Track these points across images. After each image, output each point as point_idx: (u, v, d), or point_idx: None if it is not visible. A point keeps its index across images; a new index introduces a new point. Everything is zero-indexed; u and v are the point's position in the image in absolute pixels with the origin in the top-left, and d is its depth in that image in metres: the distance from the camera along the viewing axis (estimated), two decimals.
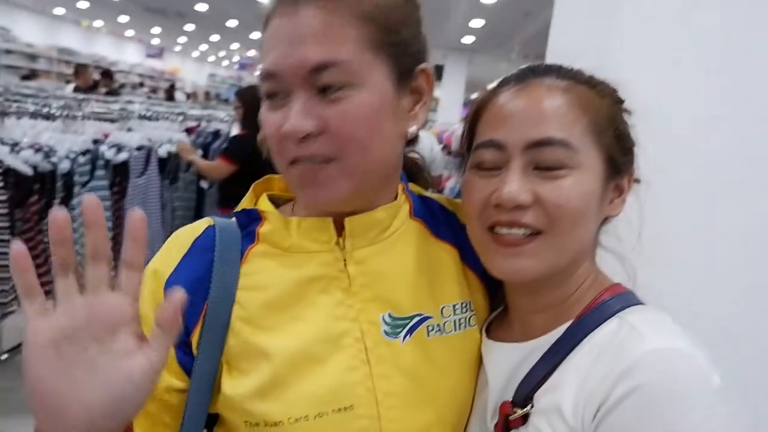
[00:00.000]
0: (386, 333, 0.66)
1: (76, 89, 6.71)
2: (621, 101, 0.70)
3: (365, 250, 0.68)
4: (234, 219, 0.71)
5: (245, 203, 0.72)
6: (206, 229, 0.69)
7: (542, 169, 0.63)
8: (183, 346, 0.65)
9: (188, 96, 11.39)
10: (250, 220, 0.70)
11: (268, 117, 0.62)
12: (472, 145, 0.70)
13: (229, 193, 3.43)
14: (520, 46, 8.62)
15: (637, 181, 0.72)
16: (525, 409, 0.62)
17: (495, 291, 0.76)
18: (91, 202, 0.45)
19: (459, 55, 11.97)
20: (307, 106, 0.59)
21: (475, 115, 0.71)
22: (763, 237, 1.10)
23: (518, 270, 0.64)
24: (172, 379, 0.65)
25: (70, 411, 0.44)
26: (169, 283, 0.64)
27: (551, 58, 1.67)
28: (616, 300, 0.65)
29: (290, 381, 0.63)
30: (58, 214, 0.44)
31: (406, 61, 0.64)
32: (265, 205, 0.71)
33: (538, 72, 0.69)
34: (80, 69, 7.70)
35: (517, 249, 0.64)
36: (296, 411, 0.61)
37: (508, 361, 0.67)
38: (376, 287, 0.67)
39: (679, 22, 1.14)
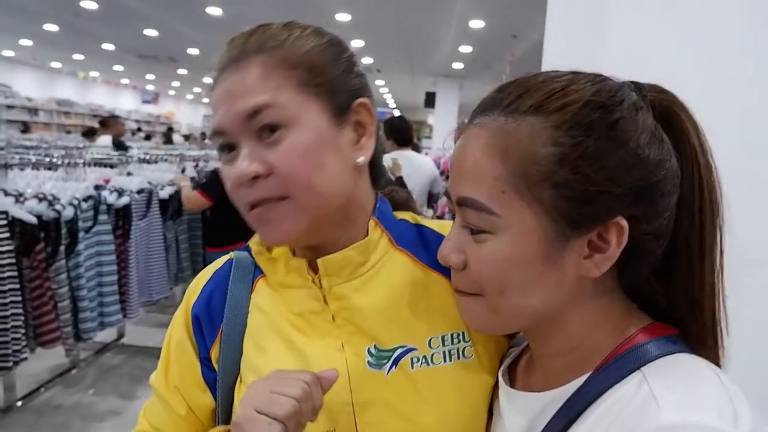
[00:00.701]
0: (370, 364, 0.68)
1: (116, 144, 6.55)
2: (611, 122, 0.54)
3: (344, 287, 0.70)
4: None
5: (252, 243, 0.78)
6: (226, 261, 0.78)
7: (470, 230, 0.59)
8: (205, 361, 0.74)
9: (186, 138, 11.52)
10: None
11: (225, 170, 0.67)
12: None
13: (213, 230, 3.55)
14: (510, 68, 8.76)
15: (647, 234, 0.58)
16: None
17: None
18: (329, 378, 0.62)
19: (450, 81, 12.15)
20: (252, 153, 0.63)
21: None
22: None
23: (468, 322, 0.65)
24: (202, 395, 0.74)
25: None
26: (193, 309, 0.75)
27: None
28: (650, 347, 0.55)
29: None
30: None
31: (340, 97, 0.67)
32: (257, 241, 0.77)
33: (484, 108, 0.60)
34: (110, 121, 7.56)
35: (461, 306, 0.64)
36: None
37: (526, 412, 0.62)
38: (358, 321, 0.69)
39: (672, 37, 1.16)
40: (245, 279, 0.75)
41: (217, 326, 0.73)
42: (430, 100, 12.72)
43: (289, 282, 0.72)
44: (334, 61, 0.68)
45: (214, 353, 0.73)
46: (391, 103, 19.44)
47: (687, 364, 0.53)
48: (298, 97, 0.64)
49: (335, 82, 0.67)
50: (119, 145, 6.32)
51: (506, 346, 0.75)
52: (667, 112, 0.58)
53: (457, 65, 10.61)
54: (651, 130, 0.55)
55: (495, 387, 0.72)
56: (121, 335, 4.20)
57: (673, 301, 0.59)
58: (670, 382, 0.50)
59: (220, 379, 0.72)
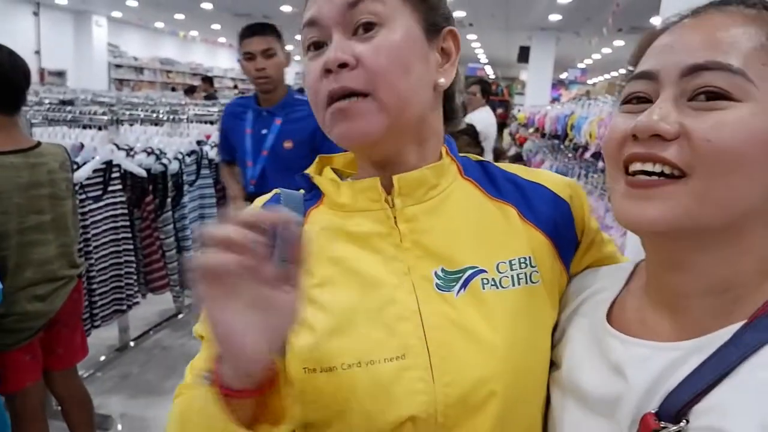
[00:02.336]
0: (438, 287, 0.67)
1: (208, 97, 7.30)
2: None
3: (414, 208, 0.69)
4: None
5: (309, 171, 0.77)
6: (273, 194, 0.76)
7: (700, 100, 0.51)
8: None
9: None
10: (310, 184, 0.75)
11: (310, 66, 0.67)
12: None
13: None
14: (612, 18, 8.14)
15: None
16: (678, 426, 0.50)
17: (566, 250, 0.74)
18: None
19: (545, 34, 11.53)
20: (343, 44, 0.64)
21: (636, 58, 0.61)
22: None
23: (642, 216, 0.52)
24: None
25: (247, 345, 0.50)
26: None
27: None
28: None
29: (343, 329, 0.65)
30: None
31: (436, 17, 0.69)
32: (325, 172, 0.77)
33: (718, 3, 0.56)
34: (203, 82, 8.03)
35: (647, 191, 0.52)
36: (348, 357, 0.63)
37: (653, 364, 0.55)
38: (427, 243, 0.68)
39: None
40: (297, 209, 0.73)
41: None
42: (523, 54, 12.14)
43: (356, 204, 0.70)
44: None
45: None
46: (483, 59, 18.78)
47: None
48: (397, 1, 0.66)
49: (432, 3, 0.69)
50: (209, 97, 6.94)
51: (566, 284, 0.74)
52: None
53: (555, 17, 10.01)
54: None
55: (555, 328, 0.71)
56: None
57: None
58: None
59: None
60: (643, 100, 0.56)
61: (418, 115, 0.68)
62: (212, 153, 3.43)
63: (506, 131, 10.72)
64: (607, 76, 18.56)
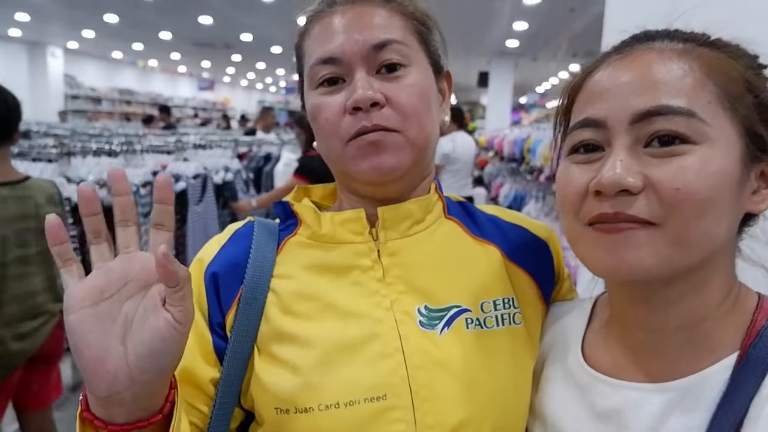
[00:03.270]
0: (422, 324, 0.65)
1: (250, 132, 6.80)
2: (761, 66, 0.56)
3: (399, 242, 0.69)
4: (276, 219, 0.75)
5: (288, 199, 0.75)
6: (247, 222, 0.74)
7: (656, 146, 0.50)
8: (218, 329, 0.66)
9: (244, 120, 11.71)
10: (286, 213, 0.73)
11: (326, 101, 0.66)
12: (566, 134, 0.60)
13: None
14: (567, 44, 8.41)
15: None
16: None
17: (547, 290, 0.74)
18: (114, 174, 0.51)
19: (504, 59, 11.82)
20: (371, 82, 0.64)
21: (568, 102, 0.61)
22: None
23: (621, 264, 0.51)
24: (212, 369, 0.65)
25: (109, 364, 0.47)
26: (209, 269, 0.68)
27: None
28: None
29: (321, 367, 0.62)
30: (85, 188, 0.50)
31: (437, 58, 0.72)
32: (304, 201, 0.75)
33: (642, 38, 0.57)
34: (264, 113, 7.09)
35: (622, 235, 0.50)
36: (326, 397, 0.60)
37: (650, 407, 0.54)
38: (411, 278, 0.67)
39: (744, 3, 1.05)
40: (271, 239, 0.70)
41: (234, 291, 0.67)
42: (483, 79, 12.41)
43: (338, 236, 0.69)
44: (436, 25, 0.73)
45: (229, 320, 0.66)
46: None
47: None
48: (415, 42, 0.68)
49: (437, 44, 0.72)
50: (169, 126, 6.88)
51: (543, 317, 0.74)
52: None
53: (512, 43, 10.28)
54: None
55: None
56: None
57: None
58: None
59: (232, 348, 0.64)
60: (592, 149, 0.55)
61: (431, 153, 0.71)
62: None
63: None
64: None
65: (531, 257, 0.73)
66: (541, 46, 9.99)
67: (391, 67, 0.65)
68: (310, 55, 0.68)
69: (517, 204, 4.56)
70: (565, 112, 0.62)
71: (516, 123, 12.54)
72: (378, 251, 0.68)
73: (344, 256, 0.68)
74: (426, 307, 0.66)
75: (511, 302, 0.70)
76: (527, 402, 0.68)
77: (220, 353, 0.65)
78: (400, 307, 0.65)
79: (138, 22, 9.86)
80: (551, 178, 3.43)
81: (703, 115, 0.50)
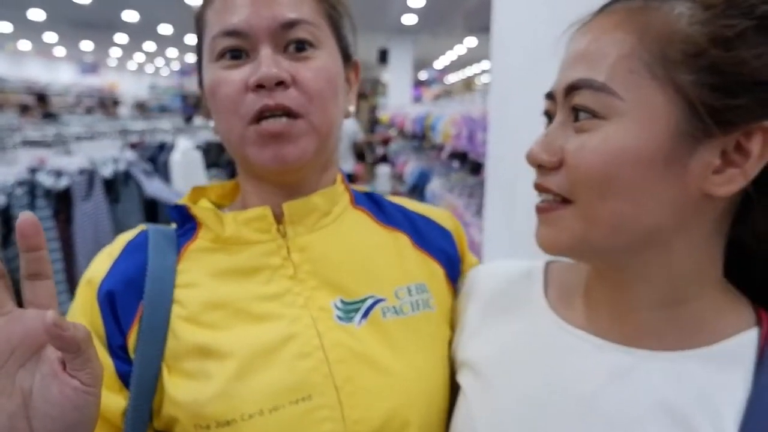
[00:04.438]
0: (339, 318, 0.64)
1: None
2: (761, 15, 0.45)
3: (307, 237, 0.67)
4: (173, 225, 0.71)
5: (183, 202, 0.71)
6: (139, 232, 0.69)
7: (580, 120, 0.50)
8: (120, 352, 0.62)
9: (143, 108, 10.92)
10: (183, 217, 0.69)
11: (227, 75, 0.62)
12: None
13: None
14: (463, 20, 8.56)
15: None
16: None
17: (454, 275, 0.76)
18: (26, 219, 0.44)
19: (403, 36, 11.85)
20: (277, 60, 0.61)
21: None
22: None
23: (541, 240, 0.55)
24: (118, 398, 0.61)
25: None
26: (102, 288, 0.63)
27: (497, 30, 1.62)
28: None
29: (240, 376, 0.60)
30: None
31: (347, 46, 0.70)
32: (201, 203, 0.71)
33: (607, 4, 0.53)
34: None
35: (544, 215, 0.54)
36: (249, 406, 0.58)
37: (648, 368, 0.53)
38: (323, 273, 0.66)
39: None
40: (169, 247, 0.66)
41: (134, 309, 0.62)
42: (383, 56, 12.41)
43: (243, 237, 0.65)
44: (347, 11, 0.71)
45: (131, 341, 0.62)
46: None
47: None
48: (327, 28, 0.66)
49: (346, 29, 0.70)
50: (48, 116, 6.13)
51: (453, 300, 0.74)
52: None
53: (410, 19, 10.33)
54: None
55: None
56: None
57: None
58: None
59: (138, 370, 0.60)
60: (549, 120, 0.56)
61: (335, 141, 0.69)
62: (49, 181, 3.04)
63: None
64: (462, 73, 19.60)
65: (437, 245, 0.75)
66: (438, 22, 10.11)
67: (300, 47, 0.63)
68: (212, 26, 0.64)
69: (422, 180, 4.61)
70: None
71: (418, 99, 12.69)
72: (287, 248, 0.65)
73: (252, 257, 0.65)
74: (341, 301, 0.65)
75: (423, 287, 0.70)
76: (447, 385, 0.68)
77: (125, 377, 0.61)
78: (315, 304, 0.64)
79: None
80: (452, 155, 3.51)
81: (618, 86, 0.47)
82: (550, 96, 0.55)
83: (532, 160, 0.53)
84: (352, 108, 0.72)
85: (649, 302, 0.54)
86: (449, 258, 0.75)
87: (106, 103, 11.21)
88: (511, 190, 1.52)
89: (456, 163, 3.48)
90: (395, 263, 0.70)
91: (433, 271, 0.73)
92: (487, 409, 0.59)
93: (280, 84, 0.61)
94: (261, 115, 0.61)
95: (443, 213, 0.80)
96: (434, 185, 3.97)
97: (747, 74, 0.45)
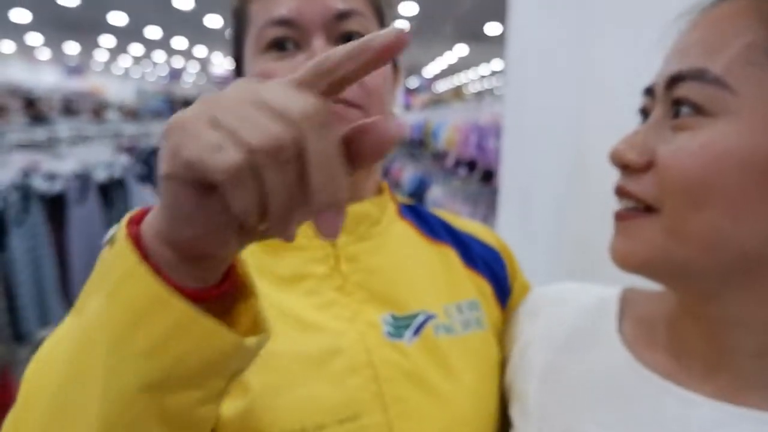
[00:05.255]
0: (389, 334, 0.60)
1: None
2: None
3: (357, 246, 0.63)
4: None
5: None
6: None
7: (682, 116, 0.44)
8: None
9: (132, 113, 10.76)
10: None
11: (278, 66, 0.59)
12: None
13: None
14: (453, 26, 8.62)
15: None
16: None
17: (503, 297, 0.71)
18: None
19: None
20: None
21: None
22: None
23: (617, 251, 0.48)
24: None
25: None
26: None
27: (512, 36, 1.62)
28: None
29: (281, 389, 0.54)
30: None
31: None
32: None
33: None
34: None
35: (623, 224, 0.47)
36: (287, 422, 0.53)
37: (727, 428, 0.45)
38: (373, 286, 0.61)
39: None
40: None
41: None
42: None
43: (291, 243, 0.58)
44: (391, 2, 0.68)
45: None
46: None
47: None
48: (375, 21, 0.64)
49: (388, 23, 0.67)
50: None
51: (502, 323, 0.70)
52: None
53: (401, 25, 10.38)
54: None
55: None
56: None
57: None
58: None
59: None
60: (647, 115, 0.50)
61: None
62: (44, 185, 2.98)
63: None
64: (451, 81, 19.68)
65: (485, 262, 0.71)
66: (429, 28, 10.17)
67: (350, 39, 0.57)
68: (257, 17, 0.61)
69: (421, 188, 4.61)
70: None
71: (407, 107, 12.73)
72: (335, 257, 0.61)
73: (295, 263, 0.60)
74: (392, 316, 0.60)
75: (475, 305, 0.66)
76: (499, 410, 0.64)
77: None
78: (364, 318, 0.59)
79: None
80: (457, 163, 3.48)
81: (732, 80, 0.41)
82: (649, 92, 0.49)
83: (618, 160, 0.46)
84: (395, 110, 0.70)
85: (747, 348, 0.46)
86: (496, 277, 0.71)
87: (97, 107, 11.05)
88: (526, 198, 1.51)
89: (463, 171, 3.46)
90: (444, 278, 0.67)
91: (482, 289, 0.69)
92: None
93: None
94: None
95: (488, 231, 0.77)
96: (435, 192, 3.95)
97: None
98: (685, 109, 0.43)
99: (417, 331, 0.61)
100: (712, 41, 0.43)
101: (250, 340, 0.37)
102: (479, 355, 0.64)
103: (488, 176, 2.92)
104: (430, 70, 17.84)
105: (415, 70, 17.51)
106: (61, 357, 0.37)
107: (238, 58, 0.66)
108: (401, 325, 0.61)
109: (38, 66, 17.69)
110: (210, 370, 0.36)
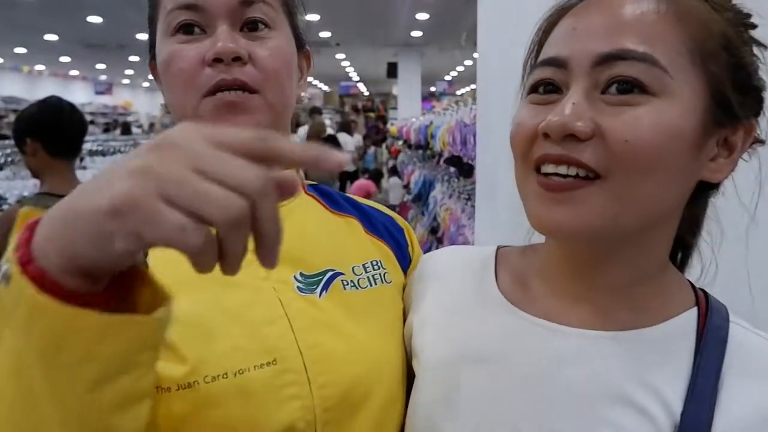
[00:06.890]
0: (300, 289, 0.65)
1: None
2: (747, 25, 0.52)
3: None
4: None
5: None
6: None
7: (612, 93, 0.48)
8: None
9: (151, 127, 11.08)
10: None
11: (183, 49, 0.63)
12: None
13: None
14: (467, 32, 8.67)
15: (760, 141, 0.55)
16: None
17: (404, 265, 0.76)
18: None
19: (410, 50, 11.99)
20: (234, 37, 0.63)
21: (539, 41, 0.58)
22: None
23: (558, 222, 0.49)
24: None
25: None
26: None
27: (481, 38, 1.70)
28: (717, 305, 0.54)
29: (203, 337, 0.58)
30: None
31: (299, 35, 0.72)
32: None
33: None
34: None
35: (563, 194, 0.48)
36: (212, 369, 0.56)
37: (603, 351, 0.53)
38: (282, 249, 0.64)
39: None
40: None
41: None
42: (392, 70, 12.55)
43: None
44: (300, 6, 0.73)
45: None
46: (354, 76, 19.14)
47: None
48: (282, 12, 0.68)
49: (299, 17, 0.72)
50: None
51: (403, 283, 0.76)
52: None
53: (416, 33, 10.46)
54: None
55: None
56: None
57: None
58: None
59: None
60: (551, 90, 0.52)
61: (287, 123, 0.70)
62: None
63: (384, 145, 11.04)
64: (473, 86, 19.64)
65: (387, 230, 0.77)
66: (444, 36, 10.23)
67: (254, 27, 0.64)
68: (167, 1, 0.65)
69: (426, 188, 4.67)
70: (535, 55, 0.59)
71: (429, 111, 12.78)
72: None
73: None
74: (301, 274, 0.66)
75: (379, 264, 0.72)
76: (405, 358, 0.69)
77: None
78: (276, 277, 0.64)
79: (18, 23, 9.12)
80: (448, 161, 3.55)
81: (668, 65, 0.47)
82: (554, 63, 0.51)
83: (563, 129, 0.47)
84: (303, 94, 0.73)
85: (614, 285, 0.54)
86: (398, 243, 0.77)
87: (126, 124, 11.40)
88: (494, 187, 1.59)
89: (453, 169, 3.53)
90: (349, 243, 0.72)
91: (385, 253, 0.75)
92: (444, 400, 0.60)
93: (237, 60, 0.62)
94: (217, 89, 0.62)
95: (395, 214, 0.83)
96: (436, 192, 4.03)
97: (753, 77, 0.52)
98: (621, 86, 0.47)
99: (326, 286, 0.66)
100: (643, 28, 0.48)
101: (158, 313, 0.38)
102: (385, 305, 0.70)
103: (470, 171, 2.98)
104: (451, 75, 17.89)
105: (437, 76, 17.57)
106: (3, 378, 0.38)
107: (151, 41, 0.70)
108: (311, 282, 0.66)
109: (70, 84, 18.29)
110: (138, 350, 0.39)
